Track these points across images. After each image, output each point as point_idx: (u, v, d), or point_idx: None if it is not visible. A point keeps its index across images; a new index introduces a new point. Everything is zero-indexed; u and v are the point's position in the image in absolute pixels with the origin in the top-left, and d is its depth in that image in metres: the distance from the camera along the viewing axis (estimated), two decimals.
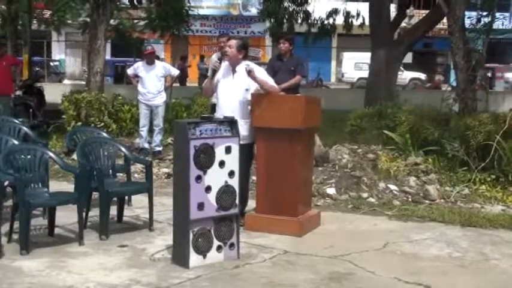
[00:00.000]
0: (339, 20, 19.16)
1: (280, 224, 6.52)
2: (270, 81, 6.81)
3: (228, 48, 6.67)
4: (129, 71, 11.47)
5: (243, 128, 6.41)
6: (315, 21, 19.01)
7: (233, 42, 6.71)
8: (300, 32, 19.28)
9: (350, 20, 19.05)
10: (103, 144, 7.10)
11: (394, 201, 8.07)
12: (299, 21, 18.87)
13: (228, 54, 6.68)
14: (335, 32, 19.54)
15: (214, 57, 9.13)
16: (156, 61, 11.15)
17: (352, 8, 19.43)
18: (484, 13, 11.91)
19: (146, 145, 10.96)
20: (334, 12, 18.99)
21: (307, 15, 18.81)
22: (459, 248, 6.27)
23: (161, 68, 11.05)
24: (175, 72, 11.68)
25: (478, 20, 11.67)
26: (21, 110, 13.26)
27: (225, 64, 6.75)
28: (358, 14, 18.85)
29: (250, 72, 6.51)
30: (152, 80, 10.84)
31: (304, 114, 6.45)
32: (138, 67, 11.09)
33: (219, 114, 6.47)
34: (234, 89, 6.65)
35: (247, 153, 6.54)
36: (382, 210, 7.74)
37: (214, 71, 6.76)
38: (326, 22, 18.99)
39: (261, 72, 6.79)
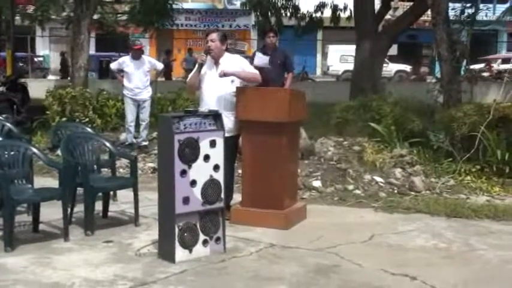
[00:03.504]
0: (326, 13, 19.17)
1: (266, 217, 6.51)
2: (248, 69, 6.81)
3: (211, 43, 6.63)
4: (113, 66, 11.37)
5: (228, 120, 6.40)
6: (303, 15, 19.03)
7: (214, 35, 6.68)
8: (287, 25, 19.27)
9: (338, 13, 19.07)
10: (87, 140, 7.05)
11: (380, 193, 8.08)
12: (287, 15, 18.88)
13: (212, 49, 6.64)
14: (322, 25, 19.56)
15: None
16: (143, 56, 11.12)
17: (339, 0, 19.43)
18: (468, 4, 11.95)
19: (134, 140, 10.93)
20: (322, 5, 19.00)
21: (296, 9, 18.83)
22: (445, 239, 6.30)
23: (147, 62, 11.02)
24: (160, 66, 11.73)
25: (462, 12, 11.72)
26: (4, 106, 13.14)
27: (208, 58, 6.71)
28: (345, 7, 18.87)
29: (225, 75, 6.55)
30: (139, 75, 10.81)
31: (289, 107, 6.44)
32: (123, 62, 11.02)
33: (204, 107, 6.44)
34: (218, 82, 6.61)
35: (232, 146, 6.52)
36: (368, 202, 7.76)
37: (201, 65, 6.71)
38: (314, 16, 19.01)
39: (241, 63, 6.79)
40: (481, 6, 14.69)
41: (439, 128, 9.23)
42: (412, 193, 8.08)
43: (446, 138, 8.93)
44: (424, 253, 5.87)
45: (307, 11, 19.14)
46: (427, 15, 15.72)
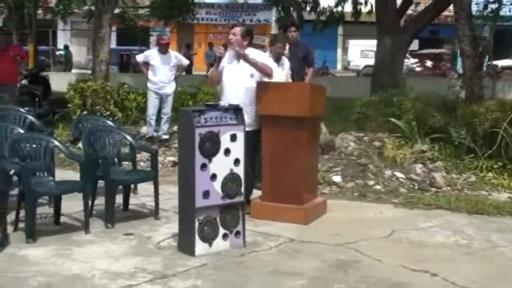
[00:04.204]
0: (347, 7, 19.10)
1: (286, 211, 6.51)
2: (265, 61, 6.79)
3: (232, 36, 6.65)
4: (139, 58, 11.37)
5: (249, 115, 6.38)
6: (324, 10, 18.99)
7: (237, 29, 6.69)
8: (308, 19, 19.22)
9: (359, 7, 18.99)
10: (108, 133, 7.09)
11: (400, 189, 8.05)
12: (307, 9, 18.85)
13: (232, 42, 6.65)
14: (343, 19, 19.50)
15: None
16: (169, 50, 11.16)
17: None
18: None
19: (155, 134, 10.98)
20: (342, 0, 18.94)
21: (316, 4, 18.79)
22: (466, 236, 6.25)
23: (173, 57, 11.06)
24: (186, 62, 11.80)
25: (485, 7, 11.62)
26: (27, 99, 13.24)
27: (229, 51, 6.72)
28: (366, 2, 18.77)
29: (242, 57, 6.53)
30: (164, 70, 10.84)
31: (310, 102, 6.43)
32: (150, 55, 11.08)
33: (224, 101, 6.44)
34: (238, 76, 6.63)
35: (253, 140, 6.51)
36: (388, 198, 7.73)
37: (220, 59, 6.73)
38: (335, 10, 18.95)
39: (261, 57, 6.77)
40: (505, 1, 14.54)
41: (461, 123, 9.15)
42: (433, 189, 8.03)
43: (468, 134, 8.86)
44: (444, 249, 5.83)
45: (328, 6, 19.08)
46: (449, 10, 15.55)
